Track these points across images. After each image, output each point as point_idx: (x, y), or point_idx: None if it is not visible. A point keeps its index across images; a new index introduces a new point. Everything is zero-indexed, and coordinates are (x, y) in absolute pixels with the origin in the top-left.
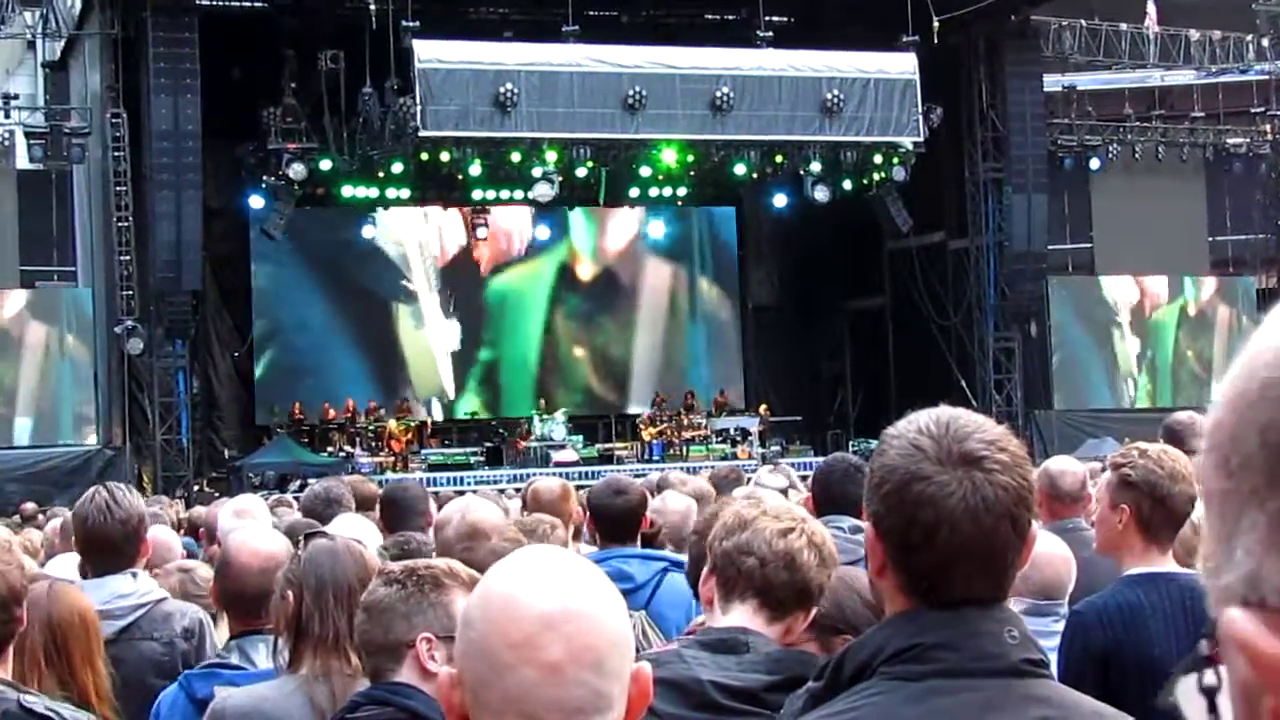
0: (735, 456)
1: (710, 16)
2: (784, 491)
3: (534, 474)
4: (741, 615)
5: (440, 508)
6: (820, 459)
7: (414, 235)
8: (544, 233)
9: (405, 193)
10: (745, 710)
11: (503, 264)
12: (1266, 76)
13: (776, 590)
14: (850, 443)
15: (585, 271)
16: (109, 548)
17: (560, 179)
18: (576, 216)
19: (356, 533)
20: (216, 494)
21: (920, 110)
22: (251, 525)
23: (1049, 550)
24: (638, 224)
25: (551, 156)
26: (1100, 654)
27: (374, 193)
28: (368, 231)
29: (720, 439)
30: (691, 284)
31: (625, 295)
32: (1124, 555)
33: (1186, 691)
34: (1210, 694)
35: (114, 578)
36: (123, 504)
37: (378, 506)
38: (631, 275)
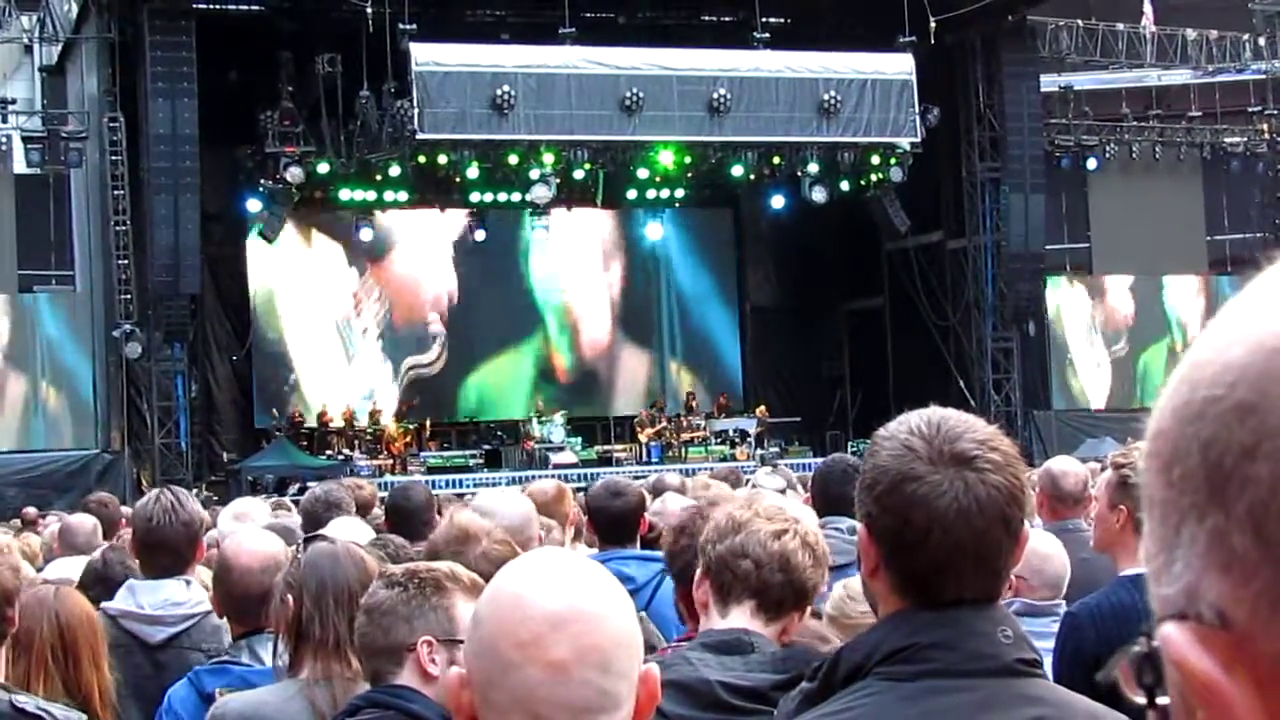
0: (734, 458)
1: (707, 18)
2: (781, 493)
3: (533, 476)
4: (739, 618)
5: (440, 511)
6: (820, 460)
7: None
8: (542, 235)
9: (403, 195)
10: (754, 709)
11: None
12: (1263, 75)
13: (772, 592)
14: (849, 443)
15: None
16: (169, 549)
17: (558, 181)
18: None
19: (351, 537)
20: (215, 498)
21: (917, 111)
22: (245, 528)
23: (1053, 548)
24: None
25: (549, 159)
26: (1094, 655)
27: (371, 196)
28: (365, 235)
29: (719, 440)
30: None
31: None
32: (1120, 555)
33: (1130, 678)
34: (1150, 691)
35: (169, 582)
36: (187, 506)
37: (383, 513)
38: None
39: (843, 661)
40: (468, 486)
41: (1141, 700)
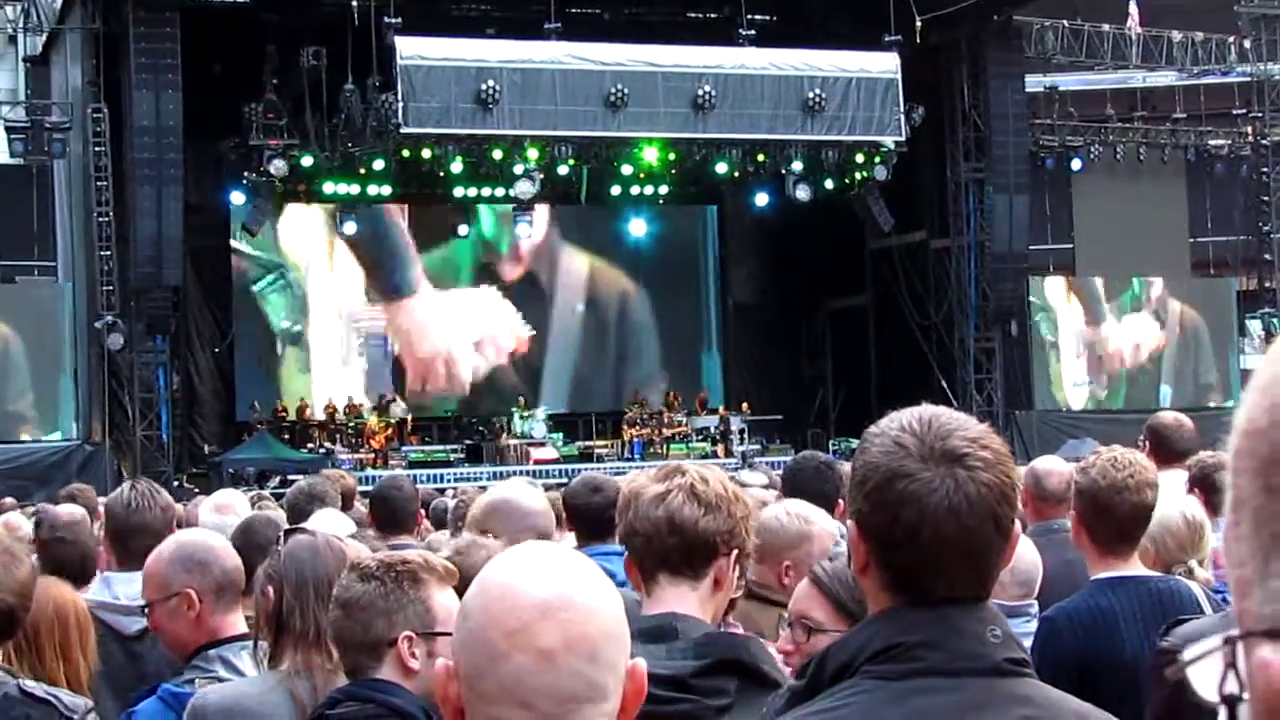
0: (715, 455)
1: (692, 14)
2: (764, 489)
3: (514, 471)
4: (664, 591)
5: (426, 506)
6: None
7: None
8: (524, 230)
9: (386, 189)
10: (674, 697)
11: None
12: (1248, 78)
13: (674, 557)
14: (830, 442)
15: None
16: (149, 535)
17: (542, 177)
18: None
19: (333, 529)
20: (196, 490)
21: (902, 110)
22: (188, 531)
23: (1022, 547)
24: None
25: (533, 154)
26: (1072, 659)
27: (355, 189)
28: (348, 229)
29: (700, 437)
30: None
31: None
32: (1089, 558)
33: (1204, 678)
34: (1231, 701)
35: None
36: (162, 495)
37: (366, 505)
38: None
39: (830, 660)
40: (449, 481)
41: (1221, 711)
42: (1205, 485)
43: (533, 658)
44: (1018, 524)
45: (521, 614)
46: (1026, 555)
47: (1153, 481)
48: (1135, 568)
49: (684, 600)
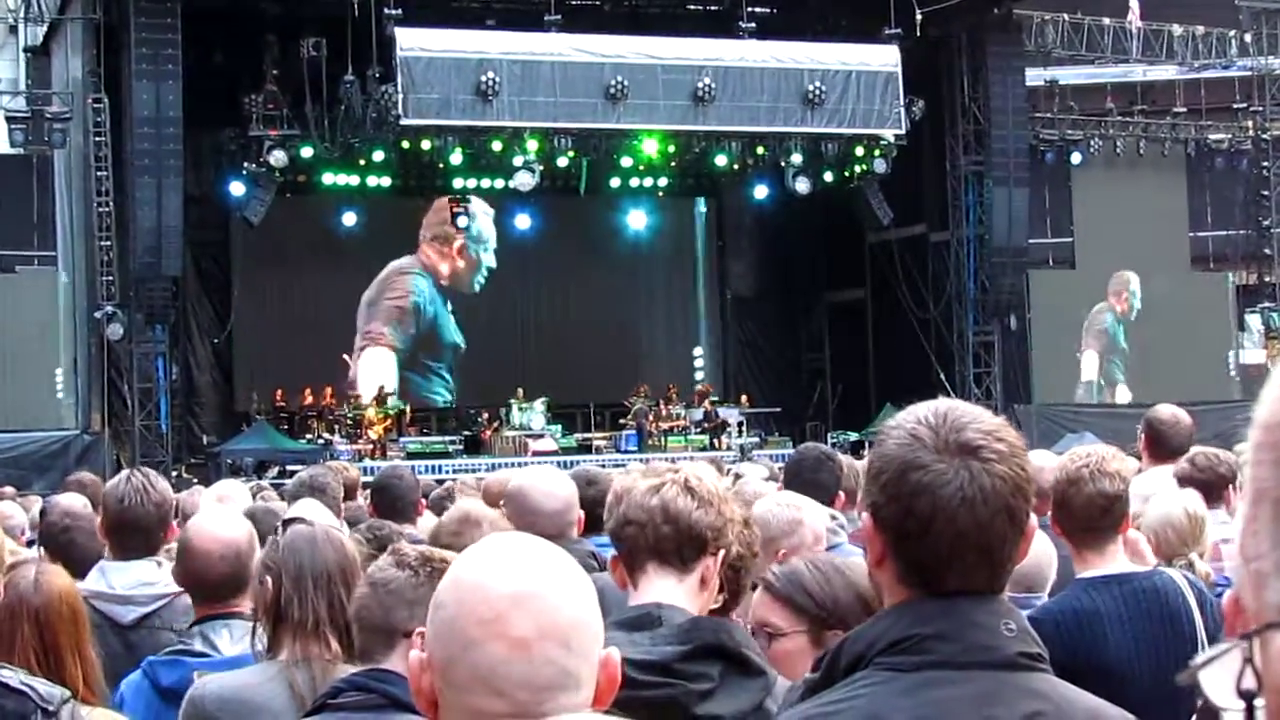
0: (714, 447)
1: (692, 7)
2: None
3: (512, 463)
4: (649, 585)
5: (426, 496)
6: None
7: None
8: (524, 222)
9: (386, 181)
10: (659, 682)
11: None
12: (1249, 72)
13: (666, 545)
14: (829, 435)
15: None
16: (141, 529)
17: (541, 168)
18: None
19: (315, 518)
20: (195, 480)
21: (902, 103)
22: (213, 510)
23: (1036, 542)
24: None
25: (533, 146)
26: (1059, 661)
27: (355, 180)
28: (348, 219)
29: (699, 430)
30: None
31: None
32: (1072, 557)
33: (1217, 681)
34: (1249, 697)
35: (140, 563)
36: (158, 487)
37: (369, 493)
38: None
39: (845, 651)
40: (447, 472)
41: (1237, 708)
42: (1196, 481)
43: (506, 646)
44: (1033, 518)
45: (494, 604)
46: (1037, 547)
47: (1113, 472)
48: (1117, 564)
49: (670, 591)
